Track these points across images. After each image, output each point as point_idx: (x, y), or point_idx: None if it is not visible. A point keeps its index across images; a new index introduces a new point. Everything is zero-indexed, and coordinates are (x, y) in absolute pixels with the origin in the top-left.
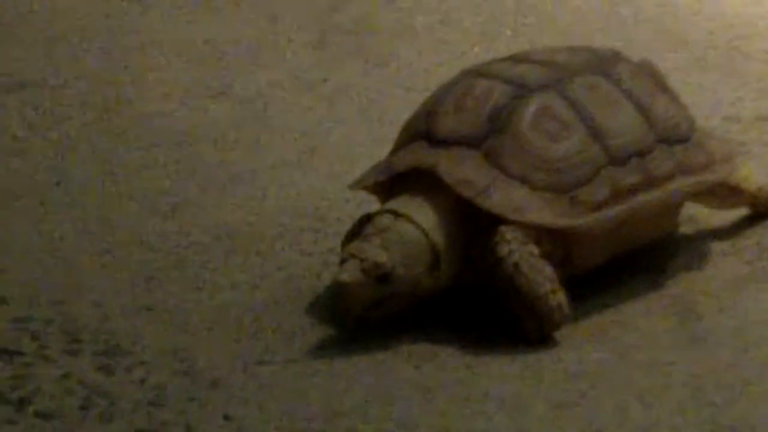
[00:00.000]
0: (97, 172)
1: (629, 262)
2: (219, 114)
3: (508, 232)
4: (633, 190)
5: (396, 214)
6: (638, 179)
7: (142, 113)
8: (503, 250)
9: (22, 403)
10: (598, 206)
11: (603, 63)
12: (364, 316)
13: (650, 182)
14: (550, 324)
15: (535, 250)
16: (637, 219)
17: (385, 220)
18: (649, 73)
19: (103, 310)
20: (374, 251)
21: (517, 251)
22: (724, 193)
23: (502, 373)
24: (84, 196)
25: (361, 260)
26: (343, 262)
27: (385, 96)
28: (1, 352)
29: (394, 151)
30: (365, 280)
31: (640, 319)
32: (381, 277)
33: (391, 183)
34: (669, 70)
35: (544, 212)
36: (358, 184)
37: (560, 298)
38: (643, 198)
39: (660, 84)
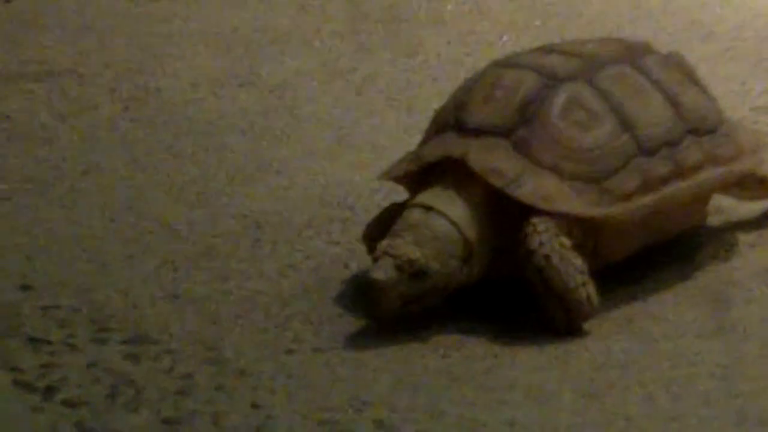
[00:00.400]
0: (125, 161)
1: (657, 252)
2: (247, 103)
3: (539, 224)
4: (663, 181)
5: (427, 208)
6: (668, 169)
7: (170, 102)
8: (534, 242)
9: (49, 392)
10: (628, 196)
11: (632, 54)
12: (396, 314)
13: (679, 172)
14: (579, 316)
15: (567, 242)
16: (666, 209)
17: (417, 214)
18: (678, 64)
19: (131, 298)
20: (408, 248)
21: (549, 243)
22: (752, 184)
23: (529, 362)
24: (112, 184)
25: (395, 257)
26: (375, 260)
27: (413, 85)
28: (28, 340)
29: (424, 142)
30: (400, 278)
31: (667, 310)
32: (415, 273)
33: (421, 174)
34: (697, 60)
35: (574, 202)
36: (388, 175)
37: (590, 290)
38: (672, 188)
39: (689, 75)
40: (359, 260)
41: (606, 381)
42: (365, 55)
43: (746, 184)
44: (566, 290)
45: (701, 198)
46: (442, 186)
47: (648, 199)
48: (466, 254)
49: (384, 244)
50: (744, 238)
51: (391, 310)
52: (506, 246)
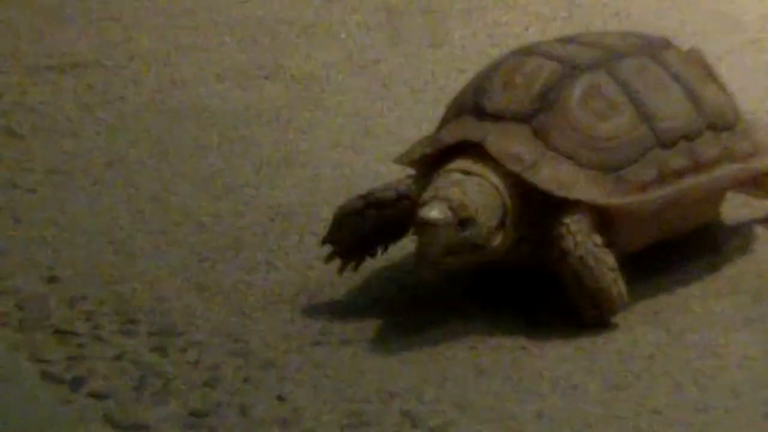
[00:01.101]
0: (151, 153)
1: (684, 244)
2: (273, 95)
3: (572, 224)
4: (679, 174)
5: (466, 172)
6: (685, 163)
7: (195, 94)
8: (569, 243)
9: (76, 384)
10: (645, 187)
11: (653, 47)
12: (437, 263)
13: (697, 167)
14: (609, 311)
15: (599, 239)
16: (681, 203)
17: (458, 175)
18: (698, 60)
19: (157, 290)
20: (460, 196)
21: (583, 244)
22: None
23: (556, 354)
24: (138, 176)
25: (447, 200)
26: (425, 203)
27: (439, 77)
28: (55, 332)
29: (441, 127)
30: (452, 220)
31: (694, 301)
32: (464, 220)
33: (437, 159)
34: (724, 52)
35: (590, 189)
36: (405, 158)
37: (621, 286)
38: (689, 182)
39: (708, 72)
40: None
41: (633, 372)
42: (391, 46)
43: (762, 183)
44: (599, 289)
45: (716, 194)
46: (472, 160)
47: (663, 192)
48: (503, 218)
49: (431, 190)
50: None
51: (435, 256)
52: (529, 232)
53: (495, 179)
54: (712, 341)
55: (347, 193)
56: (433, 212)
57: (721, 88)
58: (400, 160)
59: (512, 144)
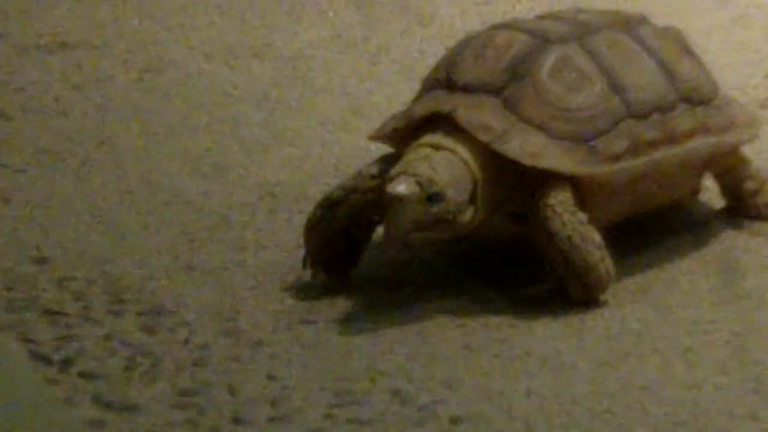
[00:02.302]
0: (140, 133)
1: (672, 221)
2: (261, 74)
3: (557, 205)
4: (652, 145)
5: (436, 147)
6: (658, 134)
7: (184, 73)
8: (555, 224)
9: (65, 364)
10: (617, 157)
11: (628, 23)
12: (405, 238)
13: (670, 139)
14: (598, 289)
15: (584, 217)
16: (655, 176)
17: (427, 150)
18: (674, 36)
19: (147, 270)
20: (428, 170)
21: (570, 224)
22: (731, 167)
23: (545, 332)
24: (126, 156)
25: (415, 176)
26: (392, 178)
27: (427, 56)
28: (44, 312)
29: (414, 101)
30: (420, 195)
31: (682, 278)
32: (433, 195)
33: (410, 133)
34: (710, 28)
35: (561, 159)
36: (378, 133)
37: (608, 264)
38: (662, 153)
39: (685, 47)
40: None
41: (622, 349)
42: (379, 25)
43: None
44: (587, 267)
45: (692, 167)
46: (442, 134)
47: (636, 162)
48: (473, 193)
49: (400, 165)
50: None
51: (403, 232)
52: (503, 207)
53: (465, 153)
54: (701, 318)
55: (336, 171)
56: (401, 187)
57: (698, 63)
58: (373, 135)
59: (482, 115)
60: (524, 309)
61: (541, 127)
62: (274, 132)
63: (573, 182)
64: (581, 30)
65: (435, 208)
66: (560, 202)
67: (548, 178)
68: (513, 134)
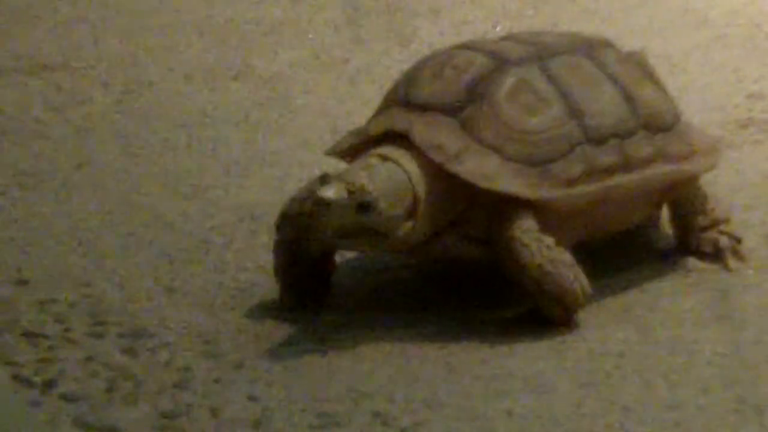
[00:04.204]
0: (120, 154)
1: (654, 241)
2: (241, 95)
3: (522, 236)
4: (608, 171)
5: (384, 158)
6: (615, 160)
7: (163, 94)
8: (524, 256)
9: (47, 386)
10: (570, 182)
11: (590, 47)
12: (334, 242)
13: (627, 165)
14: (575, 306)
15: (551, 241)
16: (611, 201)
17: (373, 159)
18: (637, 62)
19: (127, 292)
20: (363, 179)
21: (538, 253)
22: (687, 198)
23: (526, 353)
24: (106, 177)
25: (347, 183)
26: (325, 182)
27: None
28: (25, 334)
29: (372, 118)
30: (347, 202)
31: (664, 298)
32: (363, 204)
33: (366, 149)
34: (690, 48)
35: (514, 182)
36: (334, 149)
37: (582, 281)
38: (618, 179)
39: (647, 73)
40: (354, 252)
41: (603, 370)
42: (359, 45)
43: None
44: (562, 290)
45: (649, 194)
46: (395, 147)
47: (591, 188)
48: (412, 209)
49: (337, 172)
50: (739, 228)
51: (330, 236)
52: (454, 226)
53: (412, 168)
54: (682, 338)
55: None
56: (329, 191)
57: (660, 89)
58: (330, 151)
59: (437, 135)
60: (505, 330)
61: (495, 149)
62: (254, 153)
63: (530, 204)
64: (542, 53)
65: (365, 218)
66: (524, 231)
67: (504, 201)
68: (467, 156)
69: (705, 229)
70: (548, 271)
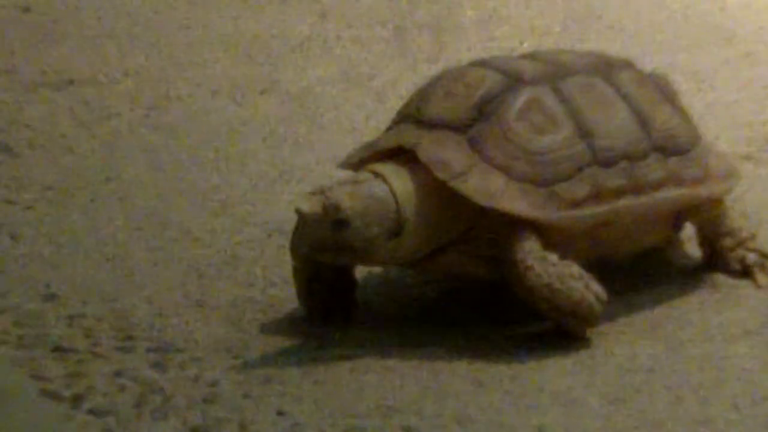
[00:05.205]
0: (147, 169)
1: (682, 257)
2: (268, 110)
3: (526, 258)
4: (617, 193)
5: (376, 174)
6: (623, 183)
7: (191, 110)
8: (531, 279)
9: (76, 401)
10: (577, 204)
11: (607, 67)
12: (311, 253)
13: (636, 188)
14: (592, 316)
15: (555, 258)
16: (620, 223)
17: (365, 176)
18: (656, 83)
19: (156, 306)
20: (341, 196)
21: (544, 273)
22: (711, 219)
23: (555, 368)
24: (134, 192)
25: (326, 198)
26: (307, 194)
27: None
28: (54, 349)
29: (384, 133)
30: (321, 218)
31: (693, 314)
32: (337, 221)
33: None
34: (718, 65)
35: (518, 202)
36: (344, 163)
37: (595, 288)
38: (626, 202)
39: (666, 95)
40: (383, 266)
41: (633, 386)
42: (386, 61)
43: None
44: (575, 304)
45: (661, 217)
46: (397, 164)
47: (596, 210)
48: (396, 229)
49: (324, 184)
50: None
51: (306, 247)
52: (469, 242)
53: (402, 186)
54: (712, 354)
55: None
56: (304, 205)
57: (677, 112)
58: (341, 163)
59: (444, 152)
60: (534, 345)
61: (502, 168)
62: (282, 168)
63: (533, 224)
64: (557, 72)
65: (340, 235)
66: (528, 253)
67: (507, 220)
68: (472, 174)
69: (732, 249)
70: (557, 289)
